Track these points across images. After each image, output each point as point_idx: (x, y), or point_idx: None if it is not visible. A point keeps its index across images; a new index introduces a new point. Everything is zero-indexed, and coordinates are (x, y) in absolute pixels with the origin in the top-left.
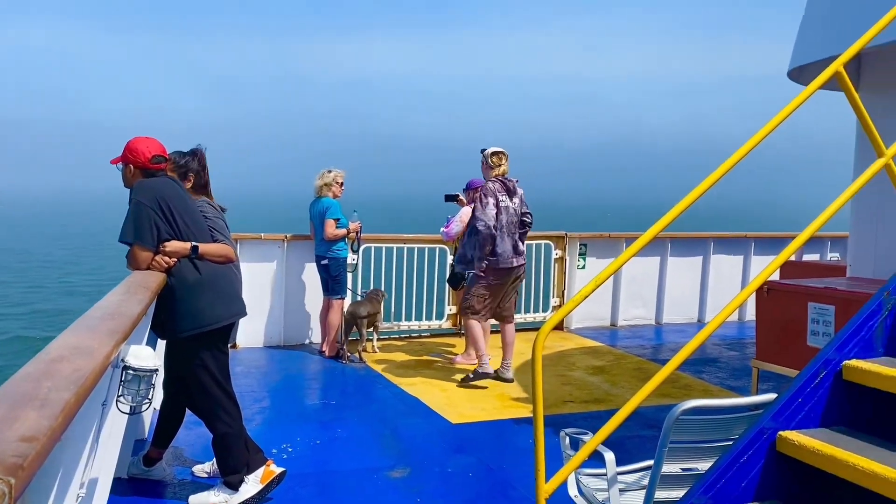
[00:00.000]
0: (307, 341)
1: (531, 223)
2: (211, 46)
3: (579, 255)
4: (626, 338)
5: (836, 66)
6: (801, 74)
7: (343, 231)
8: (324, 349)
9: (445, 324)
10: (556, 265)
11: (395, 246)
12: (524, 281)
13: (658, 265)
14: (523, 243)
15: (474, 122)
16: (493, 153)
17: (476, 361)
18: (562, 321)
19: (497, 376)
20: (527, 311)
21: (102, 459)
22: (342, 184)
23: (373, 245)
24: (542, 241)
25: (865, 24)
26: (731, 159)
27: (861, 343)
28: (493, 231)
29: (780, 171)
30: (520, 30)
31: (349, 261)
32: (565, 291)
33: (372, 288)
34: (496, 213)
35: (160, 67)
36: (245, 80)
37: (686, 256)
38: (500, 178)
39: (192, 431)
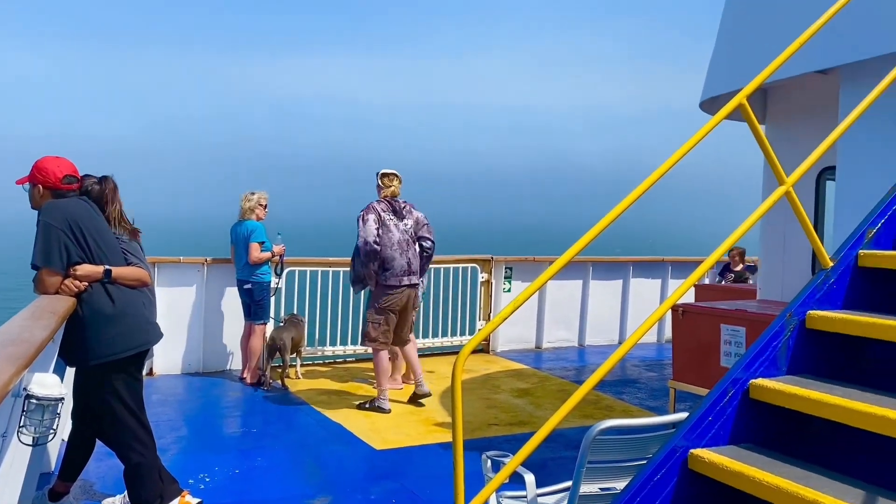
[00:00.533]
0: (227, 368)
1: (431, 247)
2: (137, 64)
3: (505, 278)
4: (550, 360)
5: (740, 98)
6: (711, 106)
7: (267, 254)
8: (245, 376)
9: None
10: (483, 288)
11: (319, 269)
12: (444, 303)
13: (581, 288)
14: (419, 265)
15: (408, 146)
16: (384, 175)
17: (394, 386)
18: (488, 344)
19: (415, 396)
20: (453, 334)
21: (2, 494)
22: (266, 206)
23: (297, 269)
24: (469, 265)
25: (769, 60)
26: (640, 187)
27: (766, 362)
28: (374, 246)
29: (700, 197)
30: (456, 56)
31: (272, 285)
32: (491, 314)
33: (294, 312)
34: (380, 231)
35: (80, 85)
36: (172, 99)
37: (607, 280)
38: (387, 198)
39: (103, 463)
